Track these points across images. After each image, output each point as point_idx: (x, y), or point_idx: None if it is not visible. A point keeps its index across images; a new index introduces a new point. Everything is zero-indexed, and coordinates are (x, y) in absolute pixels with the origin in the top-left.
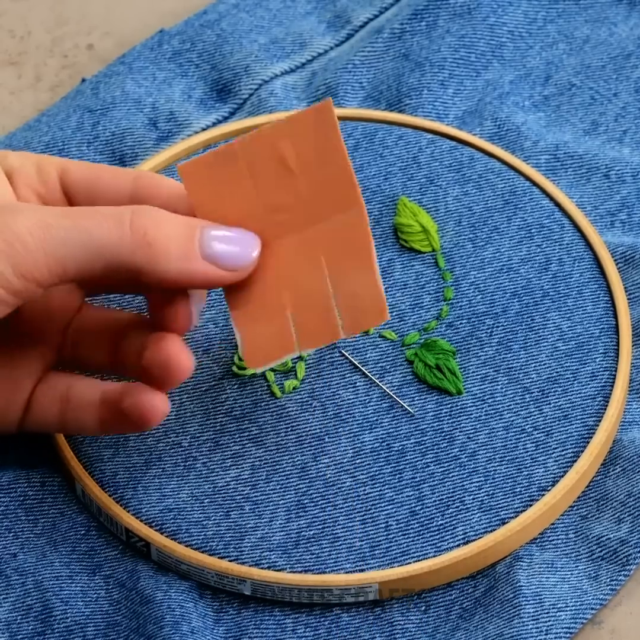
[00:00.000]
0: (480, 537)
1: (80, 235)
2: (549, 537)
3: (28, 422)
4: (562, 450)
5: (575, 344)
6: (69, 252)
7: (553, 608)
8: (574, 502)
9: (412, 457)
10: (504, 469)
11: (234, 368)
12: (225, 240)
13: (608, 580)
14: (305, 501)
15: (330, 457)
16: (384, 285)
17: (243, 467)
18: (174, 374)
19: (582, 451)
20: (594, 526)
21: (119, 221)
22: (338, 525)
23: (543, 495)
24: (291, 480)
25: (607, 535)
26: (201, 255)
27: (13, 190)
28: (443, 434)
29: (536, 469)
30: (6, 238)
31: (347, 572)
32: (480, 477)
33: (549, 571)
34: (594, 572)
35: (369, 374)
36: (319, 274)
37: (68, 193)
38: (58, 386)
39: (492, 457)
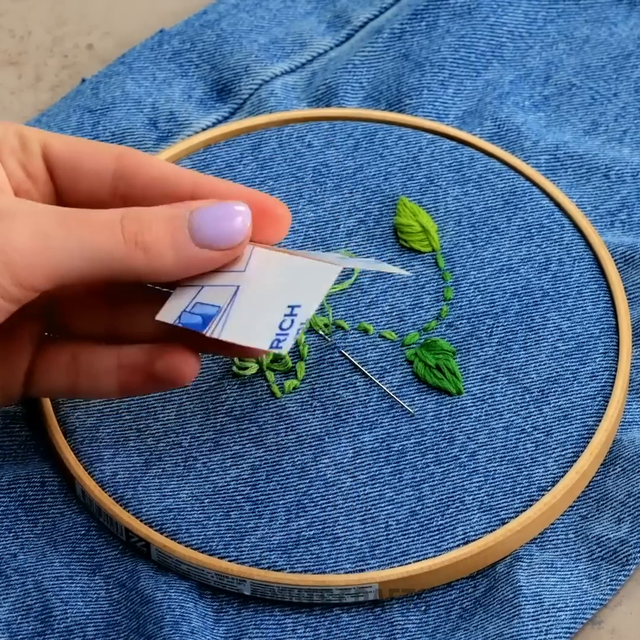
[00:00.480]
0: (480, 537)
1: (77, 245)
2: (549, 537)
3: (33, 391)
4: (562, 450)
5: (575, 344)
6: (67, 262)
7: (553, 608)
8: (574, 502)
9: (412, 457)
10: (504, 469)
11: (234, 368)
12: (214, 221)
13: (608, 580)
14: (305, 501)
15: (330, 457)
16: (384, 285)
17: (243, 467)
18: (182, 381)
19: (582, 451)
20: (594, 526)
21: (111, 230)
22: (338, 525)
23: (543, 495)
24: (291, 480)
25: (607, 535)
26: (194, 244)
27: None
28: (443, 434)
29: (536, 469)
30: (3, 248)
31: (347, 572)
32: (480, 477)
33: (549, 571)
34: (594, 572)
35: (369, 374)
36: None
37: (50, 167)
38: (61, 356)
39: (492, 457)
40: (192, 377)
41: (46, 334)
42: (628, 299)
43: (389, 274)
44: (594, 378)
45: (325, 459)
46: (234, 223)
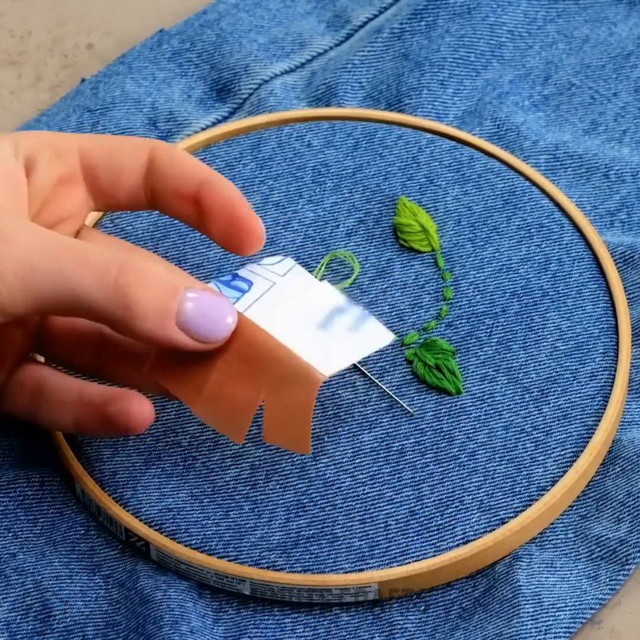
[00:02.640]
0: (480, 537)
1: (63, 283)
2: (549, 536)
3: (2, 407)
4: (562, 450)
5: (575, 343)
6: (48, 295)
7: (552, 608)
8: (573, 501)
9: (411, 456)
10: (504, 468)
11: None
12: (202, 313)
13: (607, 580)
14: (305, 501)
15: (330, 457)
16: (384, 285)
17: (242, 467)
18: (132, 429)
19: (581, 451)
20: (594, 526)
21: (105, 276)
22: (337, 524)
23: (542, 495)
24: (290, 479)
25: (606, 535)
26: (175, 322)
27: (37, 175)
28: (442, 434)
29: (536, 468)
30: None
31: (346, 572)
32: (479, 476)
33: (549, 571)
34: (593, 572)
35: (368, 374)
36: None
37: (90, 170)
38: (30, 378)
39: (492, 456)
40: (142, 427)
41: (31, 354)
42: (627, 298)
43: (388, 273)
44: (593, 378)
45: (325, 458)
46: (218, 325)
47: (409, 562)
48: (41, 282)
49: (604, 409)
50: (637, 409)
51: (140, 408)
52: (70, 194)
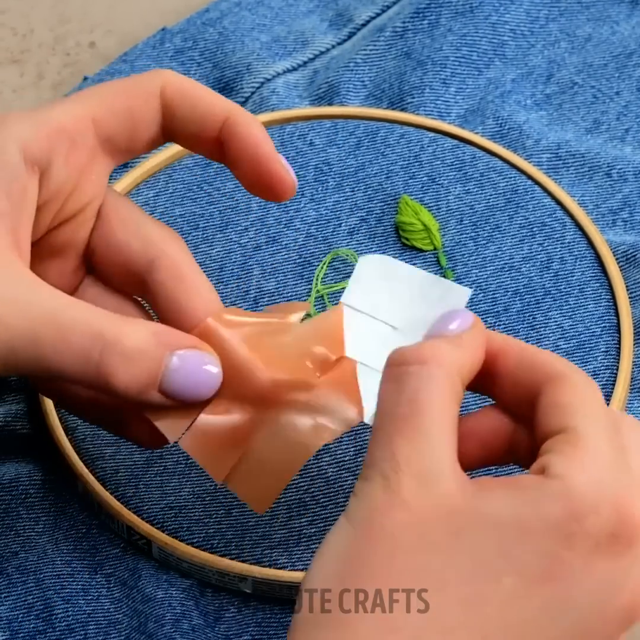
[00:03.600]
0: None
1: (44, 365)
2: None
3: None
4: None
5: (577, 342)
6: (28, 372)
7: None
8: None
9: None
10: (507, 469)
11: None
12: (184, 378)
13: None
14: (307, 499)
15: (332, 455)
16: None
17: None
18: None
19: None
20: None
21: (87, 361)
22: None
23: None
24: (292, 477)
25: None
26: (158, 389)
27: (54, 176)
28: None
29: None
30: None
31: None
32: (481, 475)
33: None
34: None
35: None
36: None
37: (107, 143)
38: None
39: None
40: (163, 445)
41: None
42: (630, 297)
43: None
44: (595, 377)
45: (327, 456)
46: (200, 388)
47: None
48: (21, 361)
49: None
50: (639, 408)
51: (157, 433)
52: (91, 176)
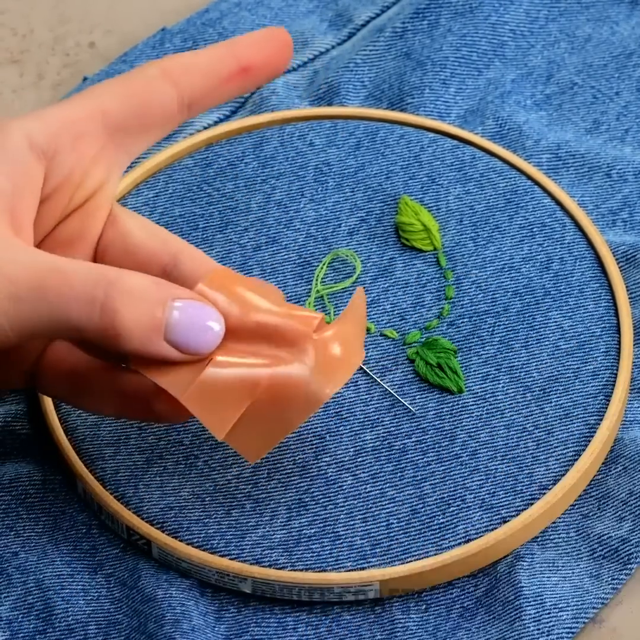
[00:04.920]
0: (481, 536)
1: (49, 313)
2: (550, 535)
3: (38, 388)
4: (564, 449)
5: (577, 342)
6: (35, 325)
7: (554, 608)
8: (575, 500)
9: (413, 455)
10: (505, 467)
11: None
12: (189, 324)
13: (609, 579)
14: (306, 499)
15: (332, 456)
16: (386, 284)
17: (244, 466)
18: (183, 420)
19: (583, 450)
20: (596, 525)
21: (91, 303)
22: (339, 523)
23: (544, 493)
24: (292, 478)
25: (608, 533)
26: (163, 338)
27: (61, 165)
28: (444, 433)
29: (537, 467)
30: None
31: (348, 570)
32: (481, 475)
33: (550, 570)
34: (595, 571)
35: (370, 373)
36: None
37: (118, 133)
38: (65, 364)
39: (494, 455)
40: (186, 418)
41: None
42: (629, 297)
43: (390, 272)
44: (595, 377)
45: (327, 457)
46: (206, 335)
47: (411, 561)
48: (27, 313)
49: (606, 407)
50: (639, 408)
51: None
52: (100, 165)
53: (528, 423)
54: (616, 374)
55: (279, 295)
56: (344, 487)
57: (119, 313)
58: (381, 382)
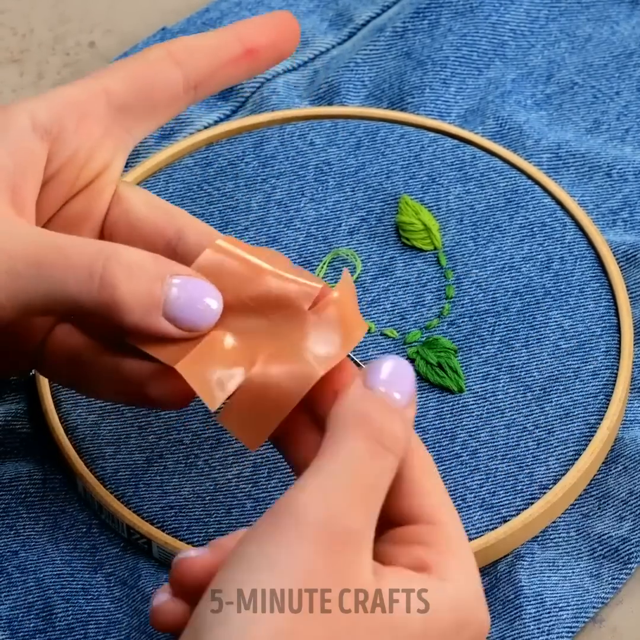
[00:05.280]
0: (482, 535)
1: (46, 287)
2: (551, 535)
3: (42, 371)
4: (564, 449)
5: (577, 342)
6: (33, 300)
7: (554, 607)
8: (575, 500)
9: None
10: (506, 466)
11: None
12: (188, 301)
13: (610, 578)
14: None
15: None
16: (386, 283)
17: (245, 465)
18: (173, 407)
19: (583, 449)
20: (596, 524)
21: (90, 274)
22: None
23: (544, 493)
24: (292, 477)
25: (608, 533)
26: (162, 313)
27: (65, 144)
28: (444, 432)
29: (538, 467)
30: None
31: None
32: (481, 474)
33: (551, 569)
34: (595, 571)
35: None
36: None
37: (122, 113)
38: (66, 347)
39: (494, 455)
40: (184, 405)
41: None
42: (630, 297)
43: (390, 272)
44: (595, 376)
45: None
46: (204, 312)
47: None
48: (26, 288)
49: (606, 407)
50: (639, 408)
51: (182, 387)
52: (104, 145)
53: (528, 422)
54: (616, 374)
55: (285, 261)
56: None
57: (117, 287)
58: None
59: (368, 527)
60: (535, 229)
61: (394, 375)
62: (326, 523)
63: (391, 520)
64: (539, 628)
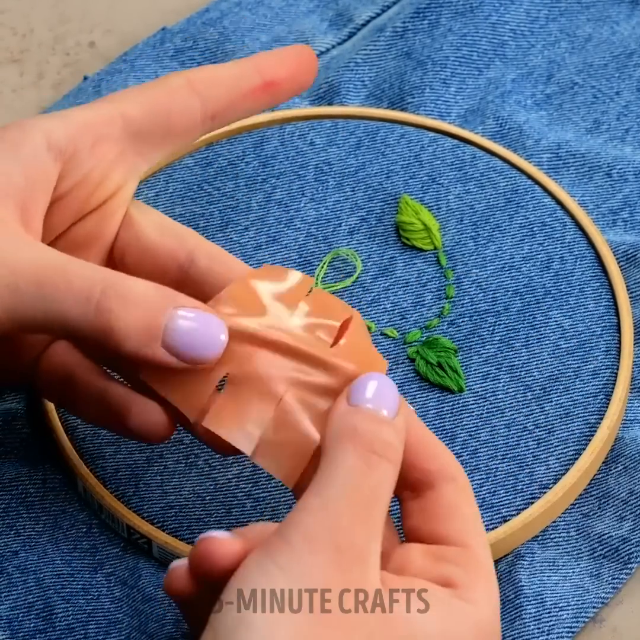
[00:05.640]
0: None
1: (45, 307)
2: (551, 534)
3: (35, 385)
4: (564, 448)
5: (577, 342)
6: (31, 317)
7: (555, 607)
8: (575, 500)
9: None
10: (506, 466)
11: None
12: (189, 334)
13: (610, 578)
14: None
15: None
16: (386, 283)
17: (245, 465)
18: (152, 441)
19: (583, 449)
20: (596, 524)
21: (87, 300)
22: None
23: (545, 492)
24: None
25: (608, 533)
26: (161, 344)
27: (80, 166)
28: (444, 432)
29: (538, 466)
30: None
31: None
32: (481, 474)
33: (551, 569)
34: (595, 570)
35: None
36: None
37: (138, 140)
38: (61, 365)
39: (494, 454)
40: (162, 440)
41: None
42: (630, 297)
43: (390, 272)
44: (595, 376)
45: None
46: (208, 345)
47: None
48: (24, 304)
49: (607, 407)
50: (639, 407)
51: (162, 422)
52: (118, 169)
53: (528, 422)
54: (616, 373)
55: (307, 283)
56: None
57: (113, 313)
58: None
59: (372, 540)
60: (535, 229)
61: (378, 393)
62: (332, 543)
63: (424, 537)
64: (539, 628)
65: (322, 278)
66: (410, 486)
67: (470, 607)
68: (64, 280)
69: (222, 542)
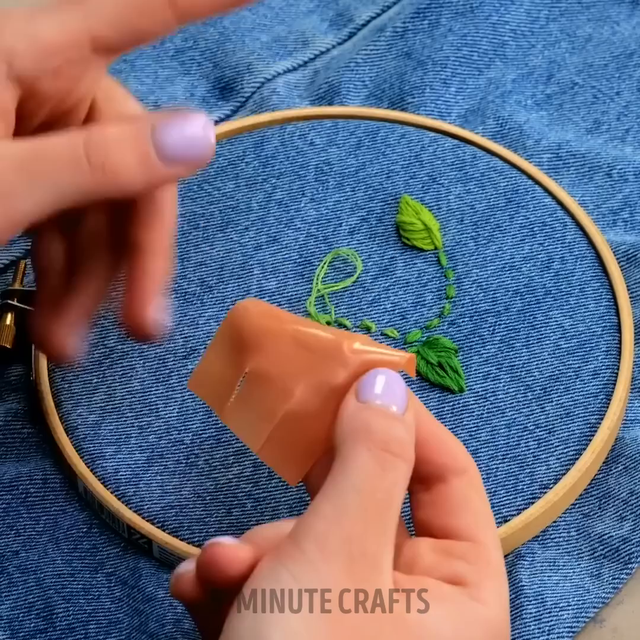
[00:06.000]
0: None
1: (41, 191)
2: (551, 534)
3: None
4: (565, 448)
5: (578, 342)
6: (35, 208)
7: (555, 607)
8: (576, 499)
9: None
10: (506, 466)
11: None
12: (179, 138)
13: (610, 578)
14: (307, 498)
15: None
16: (387, 283)
17: (245, 465)
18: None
19: (584, 449)
20: (596, 524)
21: (77, 163)
22: None
23: (545, 492)
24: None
25: (609, 533)
26: (161, 162)
27: (42, 91)
28: None
29: (538, 466)
30: None
31: None
32: (482, 474)
33: (551, 569)
34: (596, 570)
35: None
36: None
37: (105, 51)
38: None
39: (494, 454)
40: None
41: None
42: (630, 297)
43: (391, 272)
44: (596, 376)
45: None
46: (200, 141)
47: None
48: (21, 203)
49: (607, 407)
50: (639, 408)
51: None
52: (84, 82)
53: (529, 422)
54: (617, 373)
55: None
56: None
57: (107, 160)
58: None
59: (386, 545)
60: (535, 229)
61: (387, 388)
62: (345, 551)
63: (434, 531)
64: (539, 628)
65: (322, 278)
66: (421, 479)
67: (480, 607)
68: (42, 157)
69: (229, 549)
